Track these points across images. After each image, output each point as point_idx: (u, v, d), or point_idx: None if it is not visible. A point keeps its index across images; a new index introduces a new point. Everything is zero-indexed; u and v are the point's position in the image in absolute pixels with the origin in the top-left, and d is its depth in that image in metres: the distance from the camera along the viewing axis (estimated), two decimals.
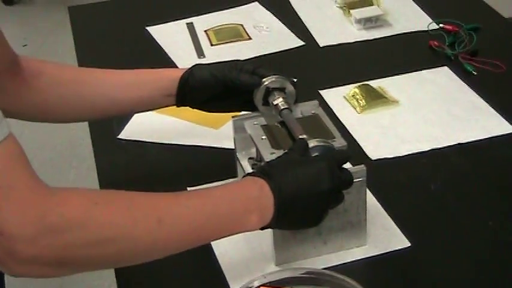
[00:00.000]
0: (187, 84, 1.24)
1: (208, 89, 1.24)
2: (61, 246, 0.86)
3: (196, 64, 1.27)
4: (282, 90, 1.20)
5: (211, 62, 1.28)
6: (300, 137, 1.10)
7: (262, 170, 1.03)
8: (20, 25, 3.95)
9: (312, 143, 1.07)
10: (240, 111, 1.28)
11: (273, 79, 1.20)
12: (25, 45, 3.65)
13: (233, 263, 1.14)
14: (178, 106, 1.27)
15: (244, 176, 1.06)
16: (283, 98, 1.19)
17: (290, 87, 1.21)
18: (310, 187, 1.01)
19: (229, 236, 1.01)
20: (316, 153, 1.07)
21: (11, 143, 0.86)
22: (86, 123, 1.48)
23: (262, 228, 1.02)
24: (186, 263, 1.13)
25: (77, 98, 1.25)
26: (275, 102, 1.19)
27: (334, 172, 1.03)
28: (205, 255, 1.15)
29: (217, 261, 1.15)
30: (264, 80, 1.20)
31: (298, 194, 1.01)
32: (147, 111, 1.34)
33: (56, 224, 0.85)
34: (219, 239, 1.02)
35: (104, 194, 0.95)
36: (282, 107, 1.18)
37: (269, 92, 1.20)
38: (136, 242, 0.92)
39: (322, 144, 1.08)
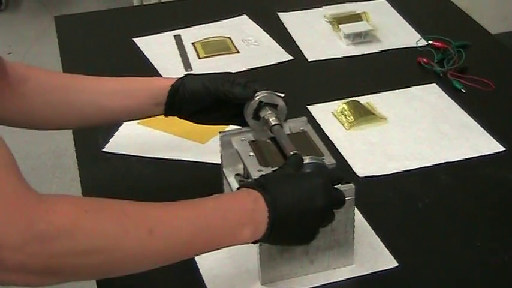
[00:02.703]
0: (177, 93, 1.22)
1: (198, 100, 1.22)
2: (48, 254, 0.84)
3: (188, 74, 1.25)
4: (273, 106, 1.19)
5: (201, 73, 1.27)
6: (292, 153, 1.09)
7: (258, 182, 1.02)
8: (5, 33, 3.93)
9: (305, 160, 1.06)
10: (228, 124, 1.27)
11: (265, 94, 1.19)
12: (9, 53, 3.63)
13: (218, 281, 1.12)
14: (166, 116, 1.25)
15: (238, 188, 1.04)
16: (274, 113, 1.18)
17: (282, 103, 1.19)
18: (305, 203, 1.00)
19: (221, 248, 0.99)
20: (308, 170, 1.06)
21: (0, 147, 0.84)
22: (70, 133, 1.47)
23: (254, 242, 1.01)
24: (171, 280, 1.12)
25: (63, 105, 1.23)
26: (266, 118, 1.17)
27: (329, 190, 1.02)
28: (190, 272, 1.13)
29: (202, 278, 1.13)
30: (256, 94, 1.19)
31: (293, 209, 0.99)
32: (136, 119, 1.32)
33: (44, 231, 0.83)
34: (211, 251, 0.99)
35: (94, 201, 0.92)
36: (273, 123, 1.16)
37: (261, 106, 1.19)
38: (126, 252, 0.90)
39: (314, 161, 1.07)
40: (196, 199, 1.02)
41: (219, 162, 1.25)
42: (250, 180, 1.11)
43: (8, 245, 0.81)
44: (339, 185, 1.07)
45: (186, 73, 1.26)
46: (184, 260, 0.97)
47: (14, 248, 0.81)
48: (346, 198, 1.06)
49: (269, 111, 1.18)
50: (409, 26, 1.85)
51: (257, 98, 1.18)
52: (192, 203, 1.00)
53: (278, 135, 1.15)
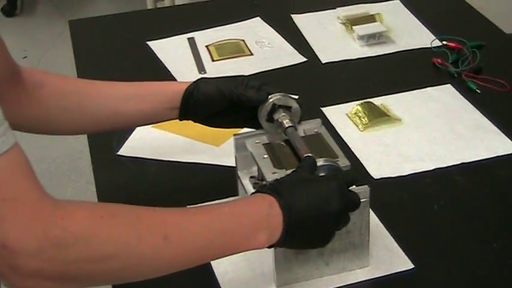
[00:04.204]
0: (191, 97, 1.22)
1: (213, 103, 1.22)
2: (64, 260, 0.84)
3: (202, 78, 1.25)
4: (287, 108, 1.19)
5: (215, 76, 1.27)
6: (306, 156, 1.08)
7: (272, 187, 1.01)
8: (20, 37, 3.94)
9: (319, 162, 1.06)
10: (243, 127, 1.27)
11: (279, 96, 1.19)
12: (25, 57, 3.64)
13: (234, 284, 1.12)
14: (181, 120, 1.26)
15: (253, 193, 1.04)
16: (288, 116, 1.18)
17: (296, 106, 1.19)
18: (320, 207, 0.99)
19: (236, 253, 0.99)
20: (323, 173, 1.05)
21: (17, 153, 0.84)
22: (85, 137, 1.47)
23: (269, 247, 1.01)
24: (186, 283, 1.11)
25: (78, 110, 1.24)
26: (280, 120, 1.17)
27: (344, 193, 1.01)
28: (205, 275, 1.13)
29: (217, 281, 1.13)
30: (270, 96, 1.19)
31: (308, 213, 0.99)
32: (150, 124, 1.33)
33: (59, 238, 0.83)
34: (226, 256, 1.00)
35: (110, 208, 0.92)
36: (287, 125, 1.16)
37: (275, 108, 1.18)
38: (141, 258, 0.90)
39: (328, 163, 1.06)
40: (210, 204, 1.02)
41: (234, 165, 1.25)
42: (264, 182, 1.11)
43: (24, 251, 0.81)
44: (354, 187, 1.06)
45: (199, 76, 1.26)
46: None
47: (30, 254, 0.82)
48: (361, 200, 1.05)
49: (283, 114, 1.18)
50: (423, 26, 1.84)
51: (271, 100, 1.18)
52: (206, 208, 1.00)
53: (292, 138, 1.15)
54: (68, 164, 2.99)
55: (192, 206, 1.20)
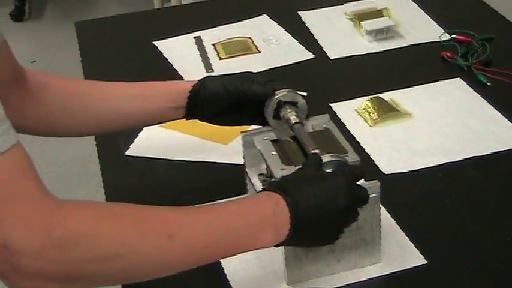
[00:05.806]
0: (198, 95, 1.21)
1: (219, 101, 1.21)
2: (67, 261, 0.83)
3: (208, 75, 1.24)
4: (293, 104, 1.17)
5: (220, 74, 1.26)
6: (313, 151, 1.07)
7: (278, 185, 1.00)
8: (29, 41, 3.95)
9: (325, 158, 1.04)
10: (250, 124, 1.26)
11: (285, 92, 1.17)
12: (34, 62, 3.64)
13: (244, 282, 1.11)
14: (187, 119, 1.24)
15: (259, 191, 1.03)
16: (295, 112, 1.16)
17: (302, 101, 1.18)
18: (327, 204, 0.98)
19: (243, 252, 0.98)
20: (330, 169, 1.04)
21: (18, 152, 0.83)
22: (95, 140, 1.46)
23: (277, 245, 0.99)
24: (195, 282, 1.11)
25: (82, 111, 1.23)
26: (287, 117, 1.16)
27: (351, 188, 1.00)
28: (215, 273, 1.12)
29: (227, 280, 1.12)
30: (276, 92, 1.17)
31: (315, 210, 0.97)
32: (156, 124, 1.31)
33: (62, 238, 0.82)
34: (232, 255, 0.98)
35: (113, 207, 0.91)
36: (294, 121, 1.15)
37: (281, 105, 1.17)
38: (145, 258, 0.89)
39: (335, 159, 1.05)
40: (216, 203, 1.00)
41: (242, 163, 1.24)
42: (273, 179, 1.09)
43: (27, 252, 0.80)
44: (364, 182, 1.05)
45: (206, 75, 1.25)
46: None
47: (32, 255, 0.80)
48: (372, 195, 1.04)
49: (289, 110, 1.16)
50: (432, 20, 1.82)
51: (276, 97, 1.17)
52: (212, 207, 0.99)
53: (299, 134, 1.14)
54: (78, 167, 2.99)
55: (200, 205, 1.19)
